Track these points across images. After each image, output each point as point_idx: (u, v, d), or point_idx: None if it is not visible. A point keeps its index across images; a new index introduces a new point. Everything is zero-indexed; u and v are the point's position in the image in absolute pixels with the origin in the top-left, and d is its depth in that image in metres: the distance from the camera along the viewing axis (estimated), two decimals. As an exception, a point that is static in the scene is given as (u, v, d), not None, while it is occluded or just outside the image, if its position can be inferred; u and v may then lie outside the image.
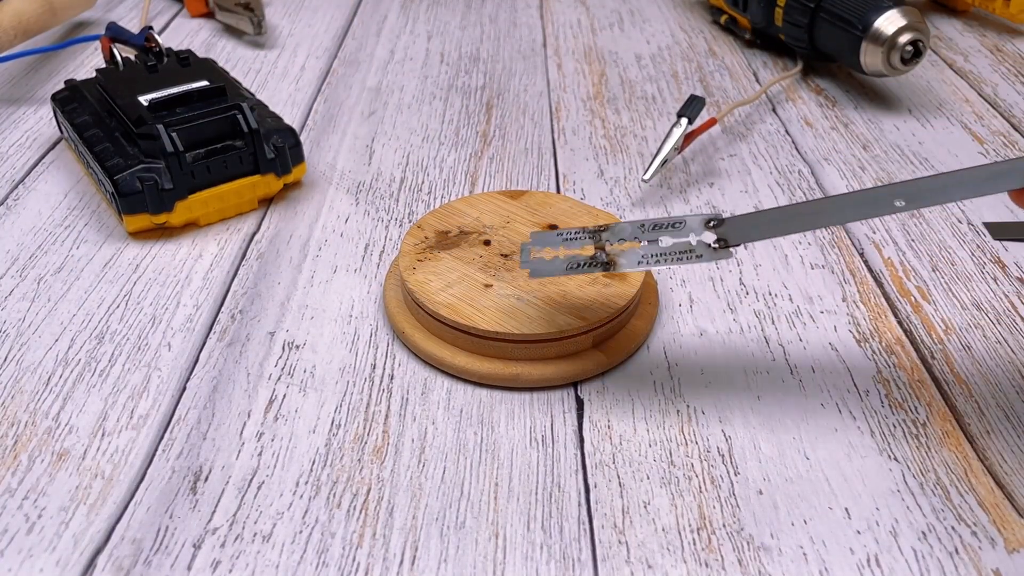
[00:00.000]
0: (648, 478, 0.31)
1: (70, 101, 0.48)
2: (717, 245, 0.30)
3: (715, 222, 0.30)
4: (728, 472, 0.31)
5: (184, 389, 0.35)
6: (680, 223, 0.30)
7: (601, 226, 0.31)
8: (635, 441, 0.32)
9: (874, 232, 0.44)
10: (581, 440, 0.33)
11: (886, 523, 0.29)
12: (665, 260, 0.30)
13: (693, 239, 0.30)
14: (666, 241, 0.30)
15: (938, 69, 0.61)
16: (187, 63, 0.47)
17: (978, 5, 0.68)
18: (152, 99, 0.43)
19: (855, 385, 0.35)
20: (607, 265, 0.30)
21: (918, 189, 0.28)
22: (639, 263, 0.30)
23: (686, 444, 0.32)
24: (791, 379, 0.35)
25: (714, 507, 0.30)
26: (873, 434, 0.33)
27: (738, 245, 0.30)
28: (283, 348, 0.37)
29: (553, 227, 0.39)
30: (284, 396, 0.34)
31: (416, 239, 0.39)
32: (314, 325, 0.38)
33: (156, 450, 0.32)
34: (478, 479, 0.31)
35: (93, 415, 0.34)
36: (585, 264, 0.31)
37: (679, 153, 0.48)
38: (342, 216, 0.46)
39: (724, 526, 0.29)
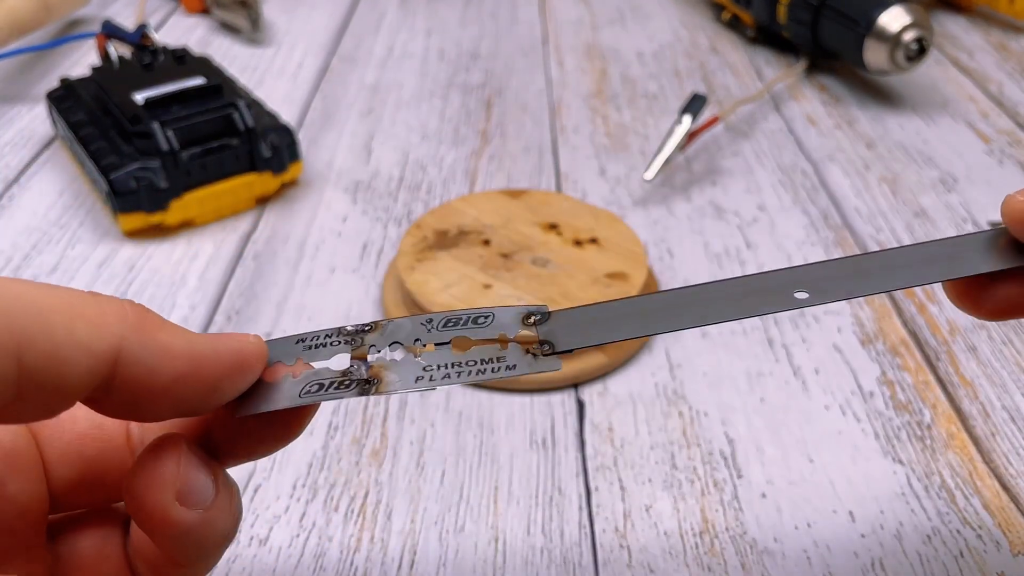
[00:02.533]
0: (650, 481, 0.31)
1: (65, 99, 0.48)
2: (539, 350, 0.21)
3: (537, 316, 0.22)
4: (731, 475, 0.31)
5: (179, 391, 0.34)
6: (485, 318, 0.21)
7: (366, 325, 0.21)
8: (637, 444, 0.32)
9: (879, 232, 0.44)
10: (582, 443, 0.32)
11: (891, 526, 0.29)
12: (459, 374, 0.20)
13: (503, 340, 0.21)
14: (462, 346, 0.21)
15: (943, 67, 0.61)
16: (183, 61, 0.46)
17: (983, 3, 0.68)
18: (147, 97, 0.43)
19: (859, 387, 0.35)
20: (364, 385, 0.20)
21: (826, 275, 0.22)
22: (417, 380, 0.20)
23: (688, 447, 0.32)
24: (795, 381, 0.35)
25: (717, 510, 0.30)
26: (877, 436, 0.32)
27: (569, 351, 0.21)
28: (280, 349, 0.36)
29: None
30: (281, 398, 0.34)
31: (415, 239, 0.39)
32: (311, 326, 0.38)
33: (151, 453, 0.32)
34: (477, 482, 0.31)
35: (87, 417, 0.33)
36: (331, 385, 0.20)
37: (682, 152, 0.47)
38: (340, 215, 0.45)
39: (727, 530, 0.29)
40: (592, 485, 0.31)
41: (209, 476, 0.19)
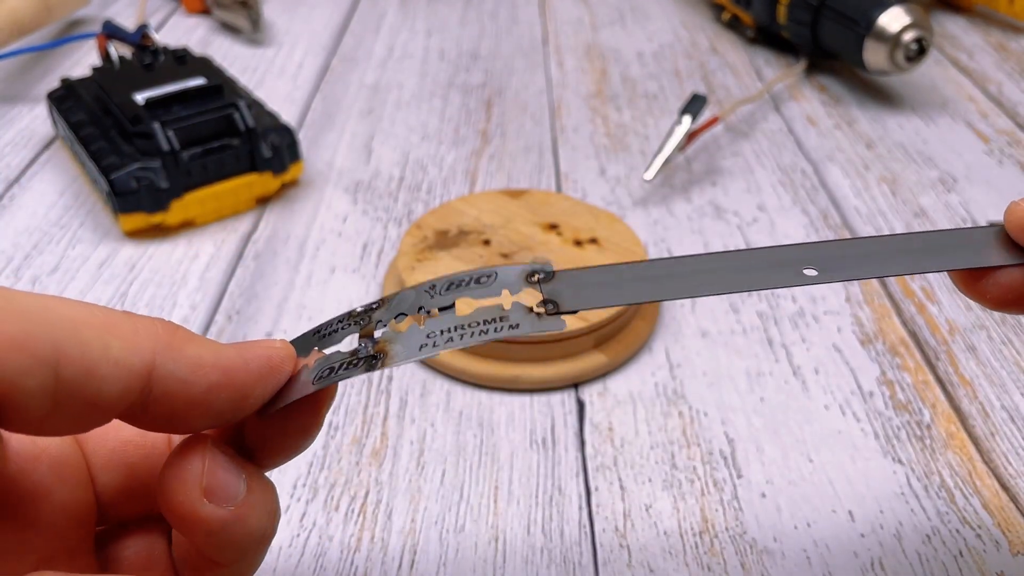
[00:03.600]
0: (650, 481, 0.31)
1: (65, 99, 0.48)
2: (543, 309, 0.20)
3: (541, 275, 0.21)
4: (731, 475, 0.31)
5: (180, 390, 0.34)
6: (488, 277, 0.21)
7: (374, 303, 0.21)
8: (636, 443, 0.32)
9: (878, 232, 0.44)
10: (582, 442, 0.32)
11: (890, 526, 0.29)
12: (462, 337, 0.20)
13: (507, 301, 0.21)
14: (467, 306, 0.21)
15: (942, 67, 0.61)
16: (183, 61, 0.46)
17: (983, 3, 0.68)
18: (148, 97, 0.43)
19: (859, 387, 0.35)
20: (371, 360, 0.20)
21: (836, 255, 0.22)
22: (421, 348, 0.20)
23: (688, 446, 0.32)
24: (794, 380, 0.35)
25: (717, 510, 0.30)
26: (877, 436, 0.32)
27: (574, 312, 0.20)
28: (280, 349, 0.36)
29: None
30: (281, 398, 0.34)
31: (415, 239, 0.39)
32: (312, 326, 0.38)
33: (152, 452, 0.32)
34: (478, 482, 0.31)
35: (88, 417, 0.33)
36: (341, 367, 0.20)
37: (682, 152, 0.47)
38: (340, 215, 0.45)
39: (727, 529, 0.29)
40: (592, 485, 0.31)
41: (239, 474, 0.19)
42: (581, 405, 0.34)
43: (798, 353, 0.36)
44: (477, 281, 0.21)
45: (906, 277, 0.41)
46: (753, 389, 0.34)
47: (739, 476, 0.31)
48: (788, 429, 0.33)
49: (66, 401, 0.16)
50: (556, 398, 0.34)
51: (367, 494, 0.30)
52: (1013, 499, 0.30)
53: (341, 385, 0.35)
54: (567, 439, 0.32)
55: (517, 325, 0.20)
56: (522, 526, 0.29)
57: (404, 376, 0.35)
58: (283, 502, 0.30)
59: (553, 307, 0.20)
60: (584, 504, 0.30)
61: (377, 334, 0.20)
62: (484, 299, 0.21)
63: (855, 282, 0.40)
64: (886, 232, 0.44)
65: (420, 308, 0.21)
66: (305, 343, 0.21)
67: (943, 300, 0.39)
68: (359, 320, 0.21)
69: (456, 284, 0.21)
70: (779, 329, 0.37)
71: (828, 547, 0.28)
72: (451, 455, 0.32)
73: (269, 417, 0.20)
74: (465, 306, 0.20)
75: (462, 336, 0.20)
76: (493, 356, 0.34)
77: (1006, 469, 0.31)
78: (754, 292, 0.24)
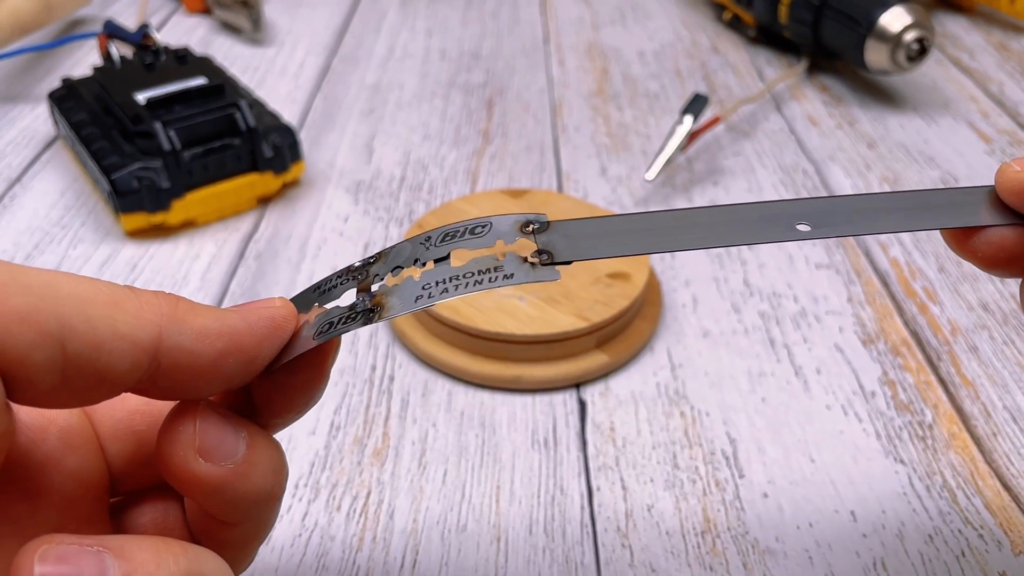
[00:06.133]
0: (652, 481, 0.31)
1: (67, 99, 0.48)
2: (537, 259, 0.20)
3: (536, 225, 0.21)
4: (733, 475, 0.31)
5: (182, 390, 0.34)
6: (483, 227, 0.21)
7: (371, 257, 0.21)
8: (638, 443, 0.32)
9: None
10: (584, 442, 0.32)
11: (892, 526, 0.29)
12: (457, 287, 0.20)
13: (500, 250, 0.21)
14: (461, 257, 0.21)
15: (944, 67, 0.61)
16: (184, 61, 0.46)
17: (984, 3, 0.68)
18: (149, 97, 0.43)
19: (861, 387, 0.35)
20: (368, 313, 0.20)
21: (828, 210, 0.22)
22: (417, 300, 0.20)
23: (690, 446, 0.32)
24: (796, 380, 0.35)
25: (719, 510, 0.30)
26: (879, 436, 0.32)
27: (568, 263, 0.20)
28: (282, 349, 0.36)
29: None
30: (283, 397, 0.34)
31: (416, 238, 0.39)
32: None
33: (153, 452, 0.32)
34: (479, 482, 0.31)
35: (90, 417, 0.33)
36: (340, 321, 0.20)
37: (683, 151, 0.47)
38: (341, 215, 0.45)
39: (729, 529, 0.29)
40: (594, 485, 0.31)
41: (236, 432, 0.19)
42: (583, 405, 0.34)
43: (800, 353, 0.36)
44: (472, 232, 0.21)
45: (908, 277, 0.41)
46: (755, 389, 0.34)
47: (741, 476, 0.31)
48: (790, 429, 0.33)
49: (74, 375, 0.16)
50: (558, 398, 0.34)
51: (369, 494, 0.30)
52: (1015, 499, 0.30)
53: (342, 385, 0.35)
54: (569, 439, 0.32)
55: (512, 275, 0.20)
56: (524, 526, 0.29)
57: (406, 376, 0.35)
58: (285, 502, 0.30)
59: (548, 257, 0.20)
60: (586, 504, 0.30)
61: (374, 287, 0.21)
62: (479, 250, 0.21)
63: (857, 283, 0.40)
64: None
65: (416, 260, 0.21)
66: (305, 300, 0.21)
67: (945, 300, 0.39)
68: (357, 275, 0.21)
69: (451, 235, 0.21)
70: (781, 329, 0.37)
71: (830, 547, 0.28)
72: (453, 455, 0.32)
73: (273, 375, 0.20)
74: (459, 258, 0.20)
75: (457, 287, 0.20)
76: (495, 356, 0.34)
77: (1008, 469, 0.31)
78: (752, 245, 0.25)
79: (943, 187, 0.24)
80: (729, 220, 0.21)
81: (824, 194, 0.47)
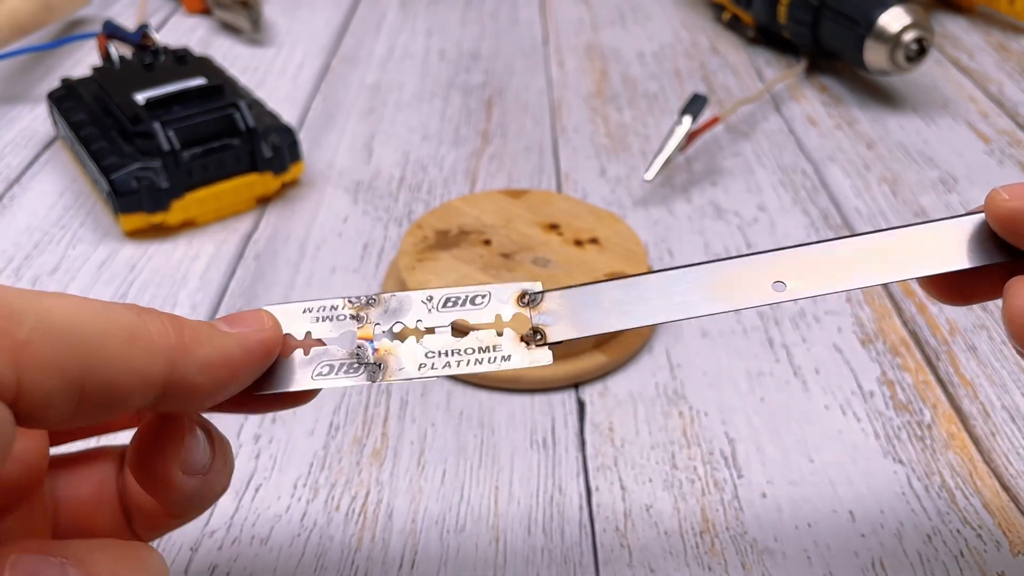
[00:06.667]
0: (650, 481, 0.31)
1: (66, 99, 0.48)
2: (531, 340, 0.22)
3: (529, 297, 0.22)
4: (731, 475, 0.31)
5: (181, 390, 0.34)
6: (482, 298, 0.22)
7: (369, 298, 0.22)
8: (637, 443, 0.32)
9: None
10: (582, 443, 0.32)
11: (891, 526, 0.29)
12: (459, 363, 0.21)
13: (499, 326, 0.22)
14: (462, 327, 0.22)
15: (943, 67, 0.61)
16: (184, 61, 0.46)
17: (983, 3, 0.68)
18: (149, 97, 0.43)
19: (859, 387, 0.35)
20: (373, 369, 0.21)
21: (804, 265, 0.22)
22: (420, 368, 0.21)
23: (689, 447, 0.32)
24: (795, 380, 0.35)
25: (717, 510, 0.30)
26: (878, 436, 0.32)
27: (559, 343, 0.22)
28: (281, 349, 0.36)
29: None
30: (282, 397, 0.34)
31: (416, 238, 0.39)
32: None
33: (152, 452, 0.32)
34: (478, 482, 0.31)
35: (89, 417, 0.33)
36: (341, 368, 0.21)
37: (682, 152, 0.47)
38: (340, 216, 0.45)
39: (727, 529, 0.29)
40: (593, 485, 0.31)
41: (207, 443, 0.20)
42: (581, 405, 0.34)
43: (798, 353, 0.36)
44: (472, 301, 0.22)
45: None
46: (754, 389, 0.34)
47: (740, 476, 0.31)
48: (789, 429, 0.33)
49: (86, 408, 0.16)
50: (556, 398, 0.34)
51: (368, 494, 0.30)
52: (1014, 499, 0.30)
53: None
54: (568, 439, 0.32)
55: (509, 357, 0.21)
56: (523, 526, 0.29)
57: (405, 376, 0.35)
58: (284, 502, 0.30)
59: (541, 338, 0.22)
60: (585, 504, 0.30)
61: (376, 338, 0.21)
62: (478, 319, 0.22)
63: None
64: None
65: (418, 321, 0.22)
66: (293, 318, 0.21)
67: (944, 300, 0.39)
68: (354, 315, 0.22)
69: (453, 301, 0.22)
70: (779, 329, 0.37)
71: (829, 547, 0.28)
72: (452, 455, 0.32)
73: (262, 398, 0.21)
74: (460, 329, 0.22)
75: (459, 363, 0.21)
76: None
77: (1007, 469, 0.31)
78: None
79: (920, 222, 0.24)
80: (714, 283, 0.22)
81: (824, 194, 0.47)
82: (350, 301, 0.22)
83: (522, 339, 0.22)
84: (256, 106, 0.46)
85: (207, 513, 0.29)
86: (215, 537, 0.29)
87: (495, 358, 0.21)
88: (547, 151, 0.51)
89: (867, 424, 0.33)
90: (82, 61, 0.61)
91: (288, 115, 0.54)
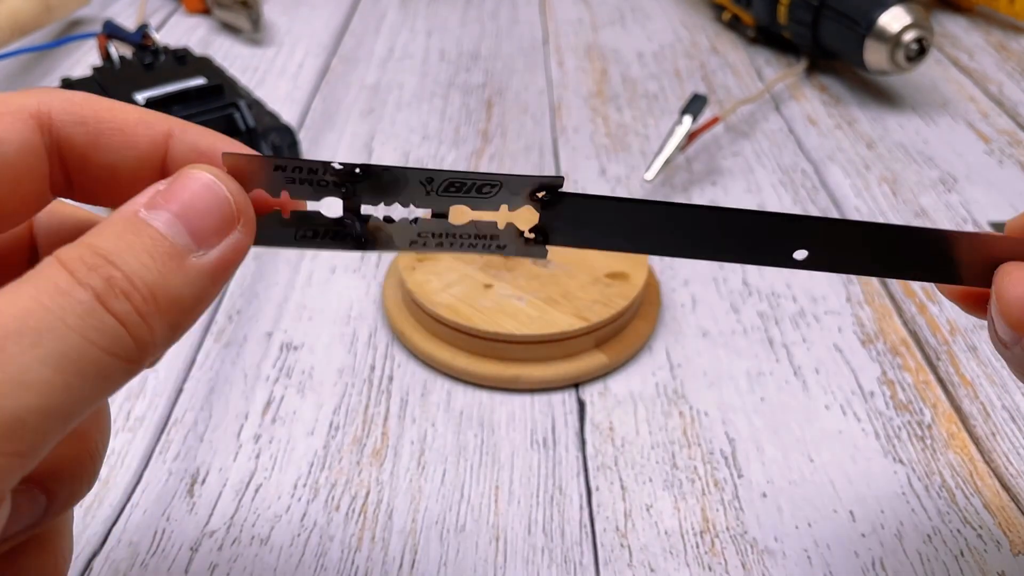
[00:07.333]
0: (651, 481, 0.31)
1: (66, 99, 0.48)
2: (532, 236, 0.20)
3: (547, 194, 0.20)
4: (731, 475, 0.31)
5: (181, 391, 0.34)
6: (492, 187, 0.20)
7: (357, 168, 0.19)
8: (637, 443, 0.32)
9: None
10: (583, 442, 0.32)
11: (891, 526, 0.29)
12: (452, 244, 0.20)
13: (503, 217, 0.20)
14: (461, 215, 0.20)
15: (943, 67, 0.61)
16: (184, 61, 0.46)
17: (983, 3, 0.68)
18: (149, 97, 0.43)
19: (860, 387, 0.35)
20: (361, 240, 0.19)
21: (833, 240, 0.21)
22: (411, 244, 0.20)
23: (689, 446, 0.32)
24: (795, 380, 0.35)
25: (717, 510, 0.30)
26: (878, 436, 0.32)
27: (561, 245, 0.20)
28: (281, 349, 0.36)
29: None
30: (282, 398, 0.34)
31: (415, 238, 0.39)
32: (312, 326, 0.38)
33: (153, 452, 0.32)
34: (478, 482, 0.31)
35: (89, 417, 0.33)
36: (326, 233, 0.19)
37: (682, 152, 0.47)
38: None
39: (727, 529, 0.29)
40: (593, 484, 0.31)
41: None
42: (582, 405, 0.34)
43: (799, 353, 0.36)
44: (479, 190, 0.20)
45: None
46: (754, 389, 0.34)
47: (740, 476, 0.31)
48: (789, 429, 0.33)
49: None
50: (557, 398, 0.34)
51: (368, 494, 0.30)
52: (1014, 499, 0.30)
53: (341, 385, 0.35)
54: (568, 439, 0.32)
55: (504, 246, 0.20)
56: (523, 526, 0.29)
57: (405, 376, 0.35)
58: (284, 502, 0.30)
59: (542, 237, 0.20)
60: (585, 504, 0.30)
61: (365, 211, 0.20)
62: (480, 210, 0.20)
63: (856, 283, 0.40)
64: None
65: (412, 203, 0.20)
66: (265, 174, 0.19)
67: (944, 300, 0.39)
68: (339, 183, 0.19)
69: (456, 187, 0.20)
70: (780, 329, 0.37)
71: (829, 547, 0.28)
72: (452, 455, 0.32)
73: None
74: (460, 214, 0.20)
75: (451, 244, 0.20)
76: (494, 356, 0.34)
77: (1007, 469, 0.31)
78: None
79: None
80: (735, 229, 0.20)
81: (824, 193, 0.47)
82: (332, 168, 0.19)
83: (521, 234, 0.20)
84: (256, 106, 0.46)
85: (207, 513, 0.29)
86: (215, 537, 0.29)
87: (490, 245, 0.20)
88: (547, 151, 0.51)
89: (867, 424, 0.33)
90: (82, 61, 0.61)
91: (288, 115, 0.54)
